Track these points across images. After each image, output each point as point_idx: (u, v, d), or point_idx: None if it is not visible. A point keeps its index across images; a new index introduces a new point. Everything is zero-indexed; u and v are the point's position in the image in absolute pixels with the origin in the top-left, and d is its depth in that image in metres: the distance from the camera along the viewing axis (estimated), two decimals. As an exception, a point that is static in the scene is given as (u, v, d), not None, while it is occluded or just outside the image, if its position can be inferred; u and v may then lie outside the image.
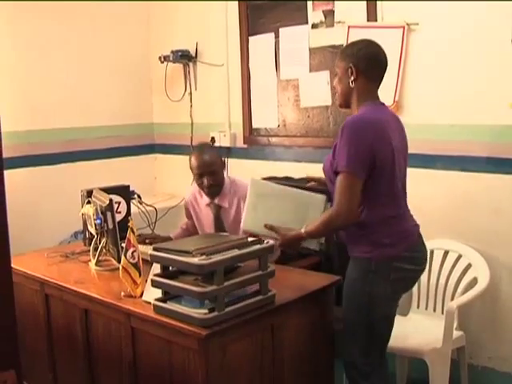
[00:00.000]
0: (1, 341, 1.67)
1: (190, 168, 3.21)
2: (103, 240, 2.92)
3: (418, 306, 3.41)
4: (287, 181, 3.54)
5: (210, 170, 3.12)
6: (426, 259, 2.58)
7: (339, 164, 2.32)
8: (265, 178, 3.87)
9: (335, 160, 2.36)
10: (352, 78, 2.43)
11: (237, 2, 4.39)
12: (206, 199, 3.29)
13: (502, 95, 3.18)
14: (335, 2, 3.82)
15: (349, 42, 3.65)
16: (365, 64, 2.43)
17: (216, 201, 3.22)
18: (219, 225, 3.25)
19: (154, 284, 2.28)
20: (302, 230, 2.44)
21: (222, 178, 3.20)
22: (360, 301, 2.44)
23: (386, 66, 2.51)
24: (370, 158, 2.31)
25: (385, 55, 2.51)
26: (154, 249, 2.28)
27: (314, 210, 2.51)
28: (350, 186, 2.31)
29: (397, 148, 2.42)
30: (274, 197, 2.58)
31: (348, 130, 2.32)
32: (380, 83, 2.52)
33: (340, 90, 2.51)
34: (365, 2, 3.67)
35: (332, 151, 2.41)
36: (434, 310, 3.34)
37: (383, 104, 2.52)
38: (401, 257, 2.40)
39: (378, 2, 3.61)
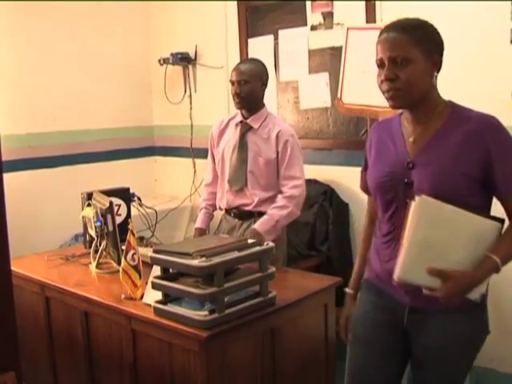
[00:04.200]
0: (1, 343, 1.68)
1: None
2: (103, 242, 2.93)
3: (419, 307, 3.41)
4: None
5: (240, 79, 3.10)
6: None
7: None
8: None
9: (502, 172, 1.80)
10: (436, 74, 1.86)
11: (236, 5, 4.40)
12: (238, 118, 3.25)
13: (501, 96, 3.19)
14: (334, 4, 3.83)
15: (348, 43, 3.67)
16: (442, 53, 1.89)
17: (248, 120, 3.18)
18: (243, 144, 3.18)
19: (155, 286, 2.28)
20: (495, 258, 1.77)
21: (252, 93, 3.13)
22: (471, 359, 1.98)
23: None
24: None
25: None
26: (154, 251, 2.29)
27: (486, 243, 1.79)
28: None
29: None
30: (448, 224, 1.77)
31: (507, 132, 1.83)
32: None
33: (419, 88, 1.83)
34: (364, 4, 3.68)
35: (454, 164, 1.82)
36: (435, 311, 3.34)
37: None
38: None
39: (376, 4, 3.62)
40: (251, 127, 3.17)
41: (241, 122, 3.21)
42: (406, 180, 1.87)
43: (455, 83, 3.34)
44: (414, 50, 1.81)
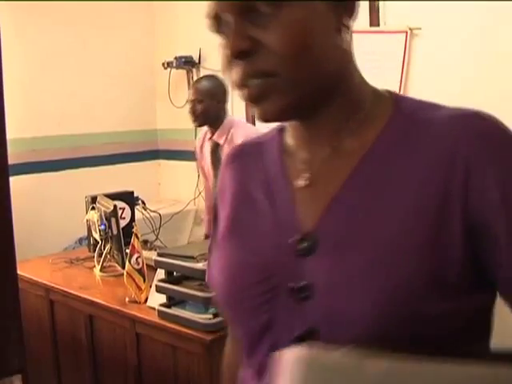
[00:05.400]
0: (8, 346, 1.68)
1: None
2: (107, 246, 2.93)
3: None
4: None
5: (194, 98, 3.19)
6: None
7: None
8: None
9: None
10: (348, 33, 0.82)
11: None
12: (208, 134, 3.34)
13: (505, 100, 3.18)
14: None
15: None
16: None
17: (214, 137, 3.25)
18: (216, 160, 3.27)
19: (159, 289, 2.28)
20: None
21: (206, 112, 3.20)
22: None
23: None
24: None
25: None
26: (159, 254, 2.29)
27: None
28: None
29: None
30: None
31: None
32: None
33: (318, 64, 0.78)
34: (367, 8, 3.68)
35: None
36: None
37: None
38: None
39: (380, 7, 3.62)
40: (219, 143, 3.23)
41: (210, 138, 3.30)
42: (294, 284, 0.79)
43: (459, 87, 3.34)
44: None
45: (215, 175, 3.29)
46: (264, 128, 0.95)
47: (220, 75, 3.33)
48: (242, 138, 3.06)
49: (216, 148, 3.24)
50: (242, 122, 3.31)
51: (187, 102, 3.23)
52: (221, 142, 3.20)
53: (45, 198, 4.33)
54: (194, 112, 3.20)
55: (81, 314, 2.71)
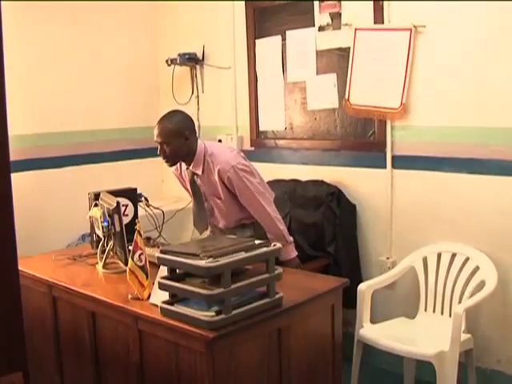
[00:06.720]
0: (8, 343, 1.67)
1: None
2: (110, 243, 2.93)
3: (426, 309, 3.41)
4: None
5: (162, 141, 3.10)
6: None
7: None
8: (271, 181, 3.89)
9: None
10: None
11: (244, 6, 4.39)
12: (184, 164, 3.30)
13: (507, 97, 3.17)
14: (342, 5, 3.83)
15: (356, 44, 3.67)
16: None
17: (191, 168, 3.21)
18: (195, 188, 3.28)
19: (161, 287, 2.28)
20: None
21: (176, 151, 3.12)
22: None
23: None
24: None
25: None
26: (162, 251, 2.29)
27: None
28: None
29: None
30: None
31: None
32: None
33: None
34: (372, 5, 3.67)
35: None
36: (442, 313, 3.33)
37: None
38: None
39: (384, 4, 3.61)
40: (197, 173, 3.22)
41: (187, 168, 3.26)
42: None
43: (463, 85, 3.33)
44: None
45: (196, 204, 3.34)
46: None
47: (182, 109, 3.33)
48: (220, 165, 3.04)
49: (193, 177, 3.24)
50: (216, 148, 3.23)
51: (156, 142, 3.15)
52: (199, 172, 3.18)
53: (48, 194, 4.34)
54: (163, 154, 3.13)
55: (83, 311, 2.71)
